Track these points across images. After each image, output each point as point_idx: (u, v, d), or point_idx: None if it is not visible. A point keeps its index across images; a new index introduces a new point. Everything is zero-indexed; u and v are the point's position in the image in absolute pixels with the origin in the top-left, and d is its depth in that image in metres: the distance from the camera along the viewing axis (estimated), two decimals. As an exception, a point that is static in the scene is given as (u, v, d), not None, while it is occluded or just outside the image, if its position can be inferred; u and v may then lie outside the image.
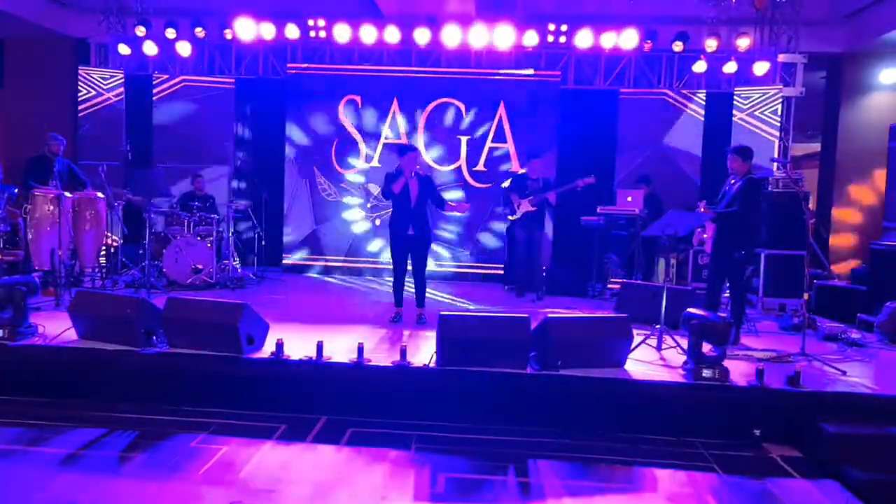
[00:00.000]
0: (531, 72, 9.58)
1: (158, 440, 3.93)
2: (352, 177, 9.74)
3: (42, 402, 4.46)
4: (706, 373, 4.42)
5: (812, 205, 9.39)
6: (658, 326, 5.34)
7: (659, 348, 5.26)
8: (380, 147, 9.72)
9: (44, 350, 4.73)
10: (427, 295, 6.36)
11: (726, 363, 4.47)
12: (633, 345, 4.87)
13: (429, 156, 9.60)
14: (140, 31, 9.50)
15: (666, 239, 5.70)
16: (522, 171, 8.29)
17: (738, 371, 4.55)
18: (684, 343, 4.77)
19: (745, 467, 3.87)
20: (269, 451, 3.89)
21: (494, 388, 4.45)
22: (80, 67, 9.78)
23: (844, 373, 4.79)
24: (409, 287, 6.31)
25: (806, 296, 5.65)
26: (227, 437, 4.04)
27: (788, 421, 4.22)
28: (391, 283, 6.39)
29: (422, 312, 6.23)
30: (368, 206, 9.75)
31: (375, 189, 9.44)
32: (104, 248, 7.56)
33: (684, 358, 4.71)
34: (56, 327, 5.04)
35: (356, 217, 9.81)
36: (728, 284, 5.89)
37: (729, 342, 4.55)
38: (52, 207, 6.52)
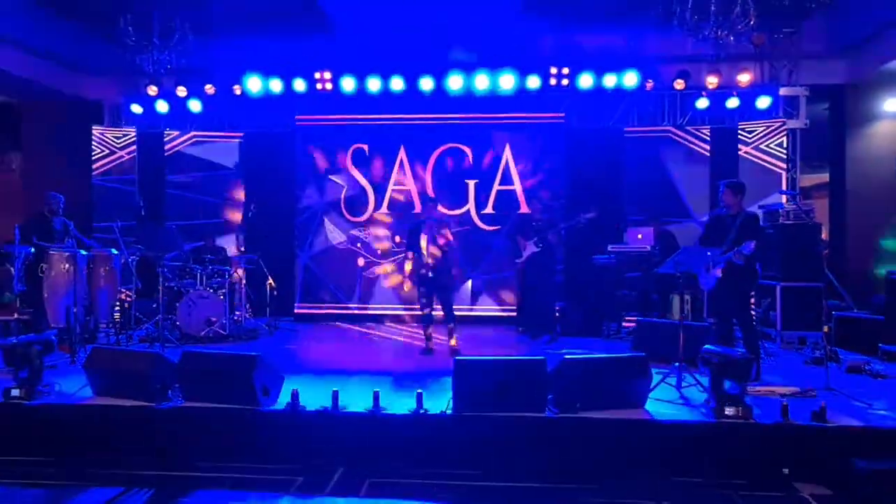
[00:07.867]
0: (535, 114, 9.71)
1: (176, 499, 3.87)
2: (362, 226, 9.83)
3: (60, 462, 4.43)
4: (729, 410, 4.34)
5: (824, 235, 9.33)
6: (676, 364, 5.28)
7: (679, 387, 5.18)
8: (388, 193, 9.81)
9: (61, 408, 4.71)
10: (437, 338, 6.35)
11: (748, 400, 4.39)
12: (653, 384, 4.81)
13: (439, 202, 9.64)
14: (152, 90, 9.74)
15: (680, 276, 5.67)
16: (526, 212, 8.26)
17: (762, 408, 4.46)
18: (704, 380, 4.69)
19: (776, 508, 3.77)
20: (287, 505, 3.83)
21: (513, 432, 4.39)
22: (93, 127, 10.01)
23: (871, 405, 4.69)
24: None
25: (826, 328, 5.56)
26: (244, 492, 3.99)
27: (817, 458, 4.12)
28: (405, 330, 6.42)
29: (452, 327, 6.81)
30: (380, 253, 9.79)
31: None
32: (118, 303, 7.59)
33: (705, 396, 4.64)
34: (72, 384, 5.04)
35: (368, 264, 9.84)
36: (736, 320, 5.79)
37: (750, 378, 4.48)
38: (67, 265, 6.59)
